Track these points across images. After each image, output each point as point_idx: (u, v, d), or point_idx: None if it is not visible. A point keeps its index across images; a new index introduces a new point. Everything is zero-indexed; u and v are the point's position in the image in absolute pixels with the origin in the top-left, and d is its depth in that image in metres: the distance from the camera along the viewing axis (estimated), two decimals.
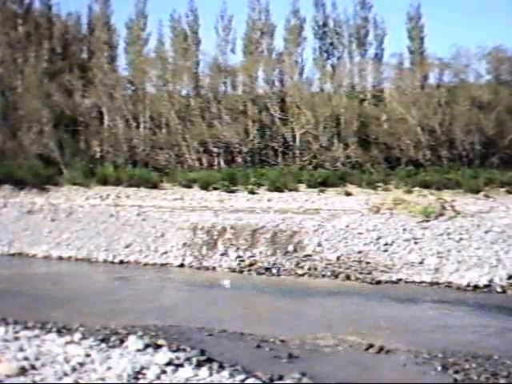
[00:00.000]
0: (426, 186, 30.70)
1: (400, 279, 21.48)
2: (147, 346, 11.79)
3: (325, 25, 40.15)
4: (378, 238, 24.28)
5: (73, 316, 15.42)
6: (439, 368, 11.56)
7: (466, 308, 17.94)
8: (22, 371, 9.61)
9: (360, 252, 23.60)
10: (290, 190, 31.85)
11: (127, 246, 26.63)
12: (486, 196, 29.36)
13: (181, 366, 10.51)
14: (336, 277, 22.28)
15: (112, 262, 25.65)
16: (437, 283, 20.94)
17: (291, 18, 40.00)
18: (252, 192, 31.80)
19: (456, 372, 11.37)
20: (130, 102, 39.10)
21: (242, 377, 10.17)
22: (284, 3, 50.97)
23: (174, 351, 11.61)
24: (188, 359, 11.01)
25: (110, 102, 38.56)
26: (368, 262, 22.86)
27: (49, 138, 37.36)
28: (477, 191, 29.79)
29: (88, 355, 10.78)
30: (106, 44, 41.89)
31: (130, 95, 40.35)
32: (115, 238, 27.43)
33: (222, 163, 36.96)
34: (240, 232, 25.98)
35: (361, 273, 22.27)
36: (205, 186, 32.72)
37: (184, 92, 40.43)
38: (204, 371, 10.21)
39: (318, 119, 36.28)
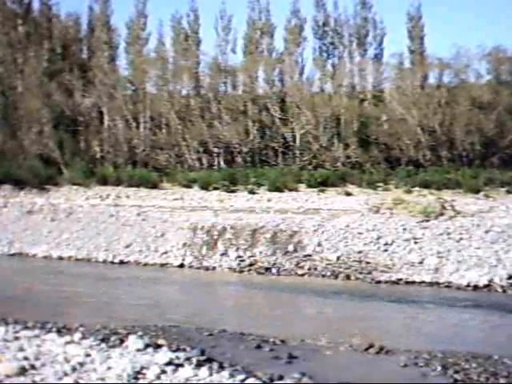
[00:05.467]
0: (425, 185, 30.73)
1: (400, 279, 21.48)
2: (147, 345, 11.78)
3: (325, 25, 40.16)
4: (378, 238, 24.28)
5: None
6: (439, 368, 11.55)
7: (466, 308, 17.93)
8: (22, 371, 9.60)
9: (360, 252, 23.60)
10: (290, 190, 31.86)
11: (127, 246, 26.64)
12: (486, 196, 29.36)
13: (181, 365, 10.49)
14: (336, 277, 22.30)
15: (112, 262, 25.66)
16: (437, 283, 20.94)
17: (291, 18, 40.03)
18: (252, 192, 31.81)
19: (456, 372, 11.36)
20: (130, 102, 39.11)
21: (242, 377, 10.15)
22: (284, 3, 51.07)
23: (174, 351, 11.60)
24: (188, 359, 11.00)
25: (110, 102, 38.58)
26: (368, 262, 22.86)
27: (49, 138, 37.39)
28: (477, 191, 29.80)
29: (88, 355, 10.76)
30: (106, 44, 41.91)
31: (130, 95, 40.38)
32: (115, 237, 27.43)
33: (222, 163, 36.97)
34: (240, 232, 25.98)
35: (361, 273, 22.29)
36: (205, 186, 32.74)
37: (184, 92, 40.48)
38: (204, 371, 10.19)
39: (318, 119, 36.30)
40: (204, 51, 40.80)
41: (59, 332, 13.21)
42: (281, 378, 10.55)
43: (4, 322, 14.00)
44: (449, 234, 24.04)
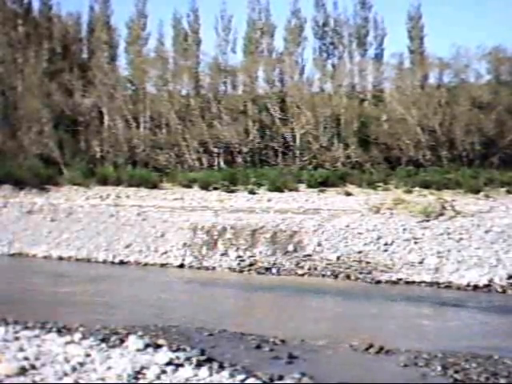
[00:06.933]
0: (426, 185, 30.73)
1: (400, 279, 21.49)
2: (147, 345, 11.77)
3: (325, 25, 40.16)
4: (378, 238, 24.29)
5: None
6: (439, 368, 11.55)
7: (466, 308, 17.94)
8: (22, 371, 9.59)
9: (360, 252, 23.61)
10: (290, 190, 31.86)
11: (127, 246, 26.64)
12: (486, 196, 29.36)
13: (181, 365, 10.48)
14: (336, 277, 22.31)
15: (112, 262, 25.67)
16: (437, 283, 20.95)
17: (291, 18, 40.04)
18: (252, 192, 31.80)
19: (456, 372, 11.36)
20: (130, 102, 39.12)
21: (242, 377, 10.15)
22: (284, 3, 50.98)
23: (174, 351, 11.59)
24: (188, 359, 11.00)
25: (110, 102, 38.58)
26: (368, 262, 22.87)
27: (49, 138, 37.39)
28: (477, 191, 29.80)
29: (88, 355, 10.76)
30: (106, 44, 41.93)
31: (130, 95, 40.39)
32: (115, 238, 27.44)
33: (222, 163, 36.97)
34: (240, 232, 25.98)
35: (361, 272, 22.29)
36: (205, 186, 32.75)
37: (184, 92, 40.47)
38: (204, 371, 10.19)
39: (318, 119, 36.29)
40: (204, 51, 40.88)
41: (59, 332, 13.20)
42: (281, 378, 10.55)
43: (4, 322, 13.99)
44: (449, 234, 24.04)
